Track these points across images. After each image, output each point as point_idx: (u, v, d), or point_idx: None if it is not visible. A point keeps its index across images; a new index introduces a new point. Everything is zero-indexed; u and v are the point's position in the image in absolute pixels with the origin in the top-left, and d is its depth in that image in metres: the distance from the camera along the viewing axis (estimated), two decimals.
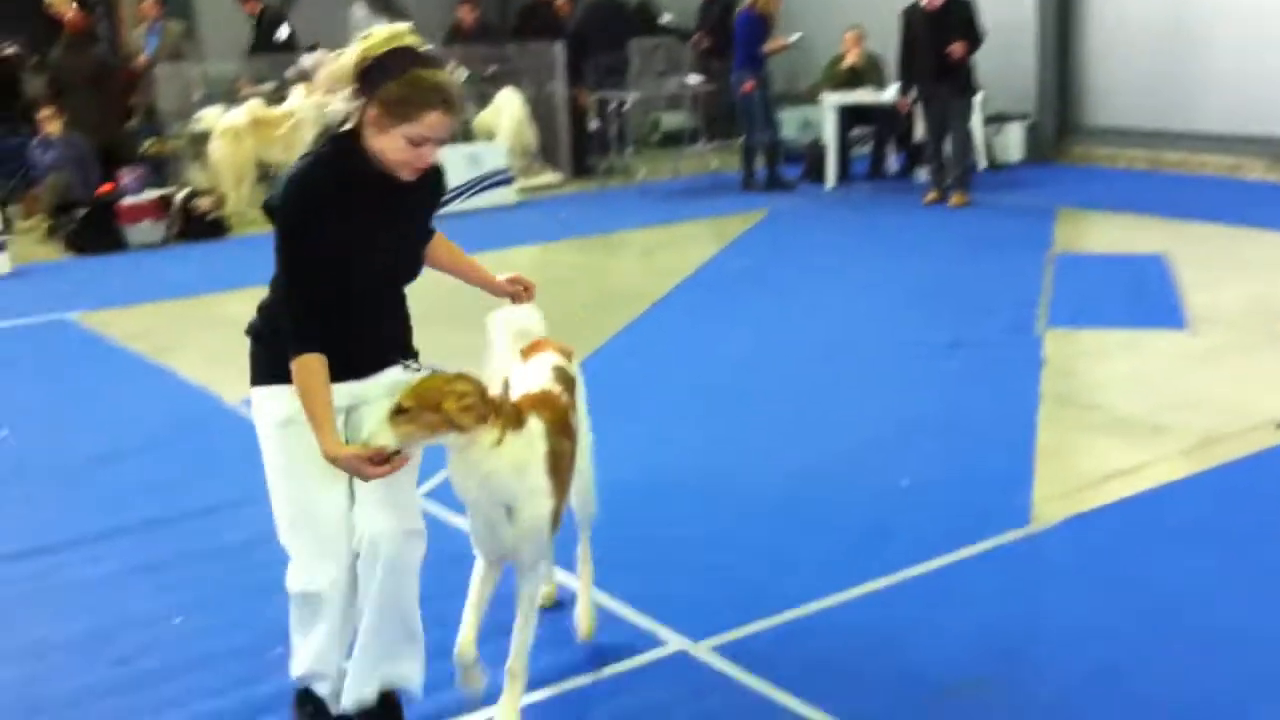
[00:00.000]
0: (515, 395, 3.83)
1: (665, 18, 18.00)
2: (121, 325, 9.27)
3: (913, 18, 12.47)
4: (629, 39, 16.23)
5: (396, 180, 3.55)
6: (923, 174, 13.52)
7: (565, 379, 4.17)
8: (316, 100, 3.63)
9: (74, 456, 6.61)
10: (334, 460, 3.43)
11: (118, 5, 18.18)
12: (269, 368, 3.61)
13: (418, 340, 3.88)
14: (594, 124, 15.86)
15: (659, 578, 4.96)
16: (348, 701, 3.75)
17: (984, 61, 12.60)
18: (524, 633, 3.87)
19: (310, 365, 3.44)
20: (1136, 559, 4.97)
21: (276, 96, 14.13)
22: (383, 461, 3.42)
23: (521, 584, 3.87)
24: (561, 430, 3.88)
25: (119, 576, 5.18)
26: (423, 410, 3.42)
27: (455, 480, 3.63)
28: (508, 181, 13.72)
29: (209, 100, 14.11)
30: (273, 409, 3.63)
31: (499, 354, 4.21)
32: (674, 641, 4.46)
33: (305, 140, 13.66)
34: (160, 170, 14.51)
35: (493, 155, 13.81)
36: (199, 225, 12.47)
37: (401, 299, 3.79)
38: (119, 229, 12.11)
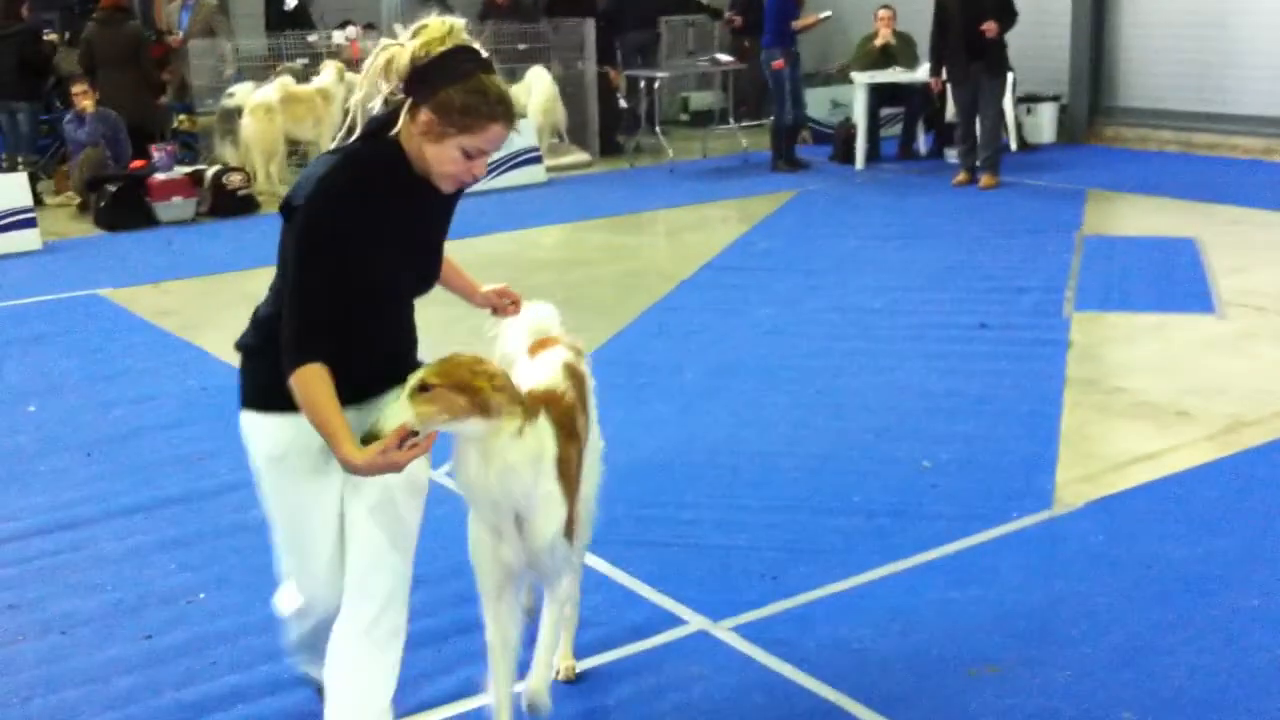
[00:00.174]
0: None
1: None
2: (151, 301, 9.34)
3: None
4: (660, 17, 16.22)
5: (432, 189, 3.23)
6: (952, 155, 13.46)
7: (575, 377, 3.87)
8: (359, 95, 3.22)
9: (102, 432, 6.66)
10: (356, 468, 3.09)
11: None
12: (263, 389, 3.27)
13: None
14: (623, 103, 15.86)
15: (680, 557, 4.97)
16: None
17: (1016, 42, 12.53)
18: (560, 633, 3.72)
19: (313, 375, 3.07)
20: (1159, 543, 4.95)
21: (305, 73, 14.17)
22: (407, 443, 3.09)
23: (550, 590, 3.60)
24: (568, 434, 3.57)
25: (145, 552, 5.23)
26: (449, 390, 3.12)
27: (467, 475, 3.26)
28: (536, 160, 13.71)
29: (241, 76, 14.16)
30: (264, 443, 3.34)
31: (510, 355, 3.96)
32: (695, 621, 4.48)
33: (335, 120, 13.75)
34: (191, 146, 14.60)
35: (521, 133, 13.77)
36: (229, 201, 12.51)
37: (412, 312, 3.45)
38: (150, 205, 12.16)
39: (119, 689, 4.21)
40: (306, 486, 3.32)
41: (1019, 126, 14.45)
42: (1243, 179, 12.52)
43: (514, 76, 14.70)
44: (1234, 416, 6.25)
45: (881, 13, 14.73)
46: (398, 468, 3.11)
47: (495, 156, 3.49)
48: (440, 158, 3.16)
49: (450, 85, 3.11)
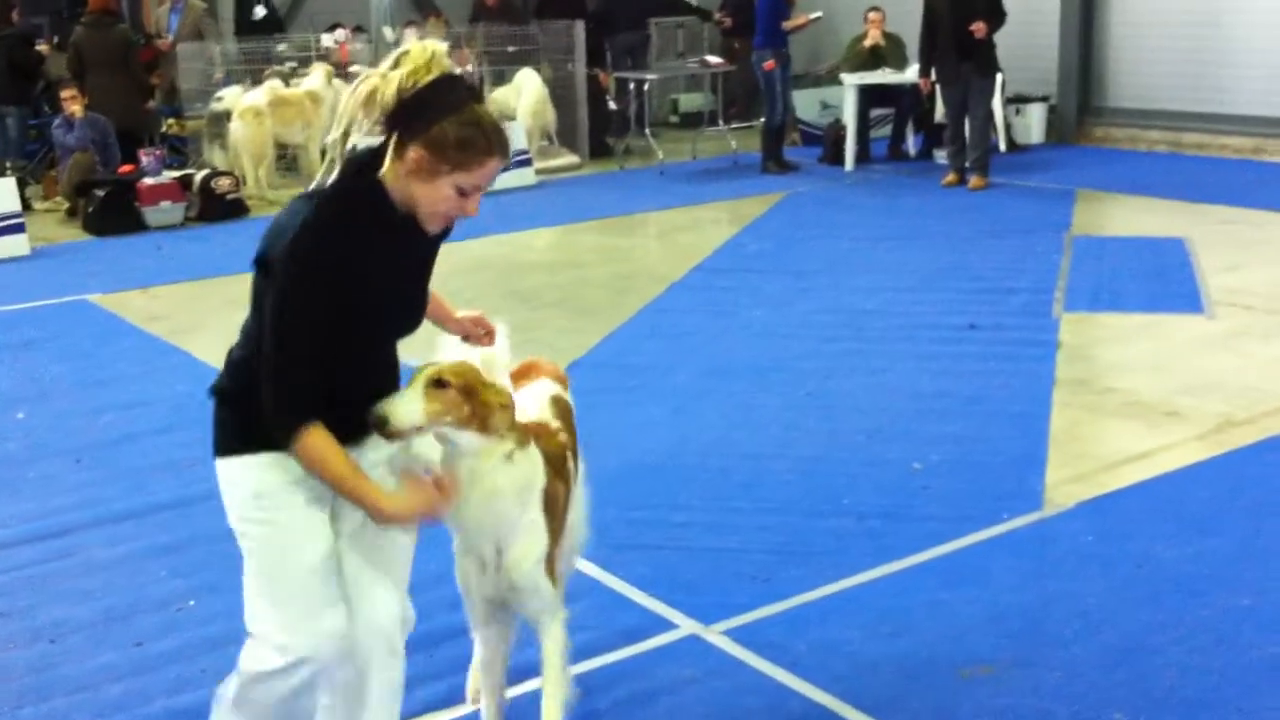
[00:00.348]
0: None
1: None
2: (140, 306, 9.32)
3: None
4: (649, 19, 16.23)
5: (419, 228, 3.05)
6: (942, 156, 13.47)
7: (563, 413, 3.71)
8: (337, 132, 3.01)
9: (92, 438, 6.64)
10: (393, 516, 3.01)
11: None
12: (240, 435, 3.11)
13: None
14: (613, 105, 15.86)
15: (671, 561, 4.97)
16: None
17: (1005, 42, 12.55)
18: (556, 694, 3.48)
19: (319, 441, 2.95)
20: (1150, 543, 4.96)
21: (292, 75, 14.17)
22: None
23: (542, 637, 3.47)
24: (557, 471, 3.43)
25: (135, 558, 5.21)
26: (462, 393, 3.04)
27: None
28: (526, 162, 13.71)
29: (230, 80, 14.14)
30: (252, 483, 3.12)
31: None
32: (686, 625, 4.48)
33: (324, 123, 13.75)
34: (180, 150, 14.58)
35: (510, 135, 13.76)
36: (219, 206, 12.48)
37: (395, 349, 3.26)
38: (138, 210, 12.13)
39: (110, 696, 4.20)
40: (303, 517, 3.14)
41: (1008, 127, 14.48)
42: (1232, 178, 12.54)
43: (503, 78, 14.71)
44: (1224, 416, 6.26)
45: (871, 14, 14.74)
46: (434, 513, 3.07)
47: None
48: (432, 197, 2.97)
49: (442, 118, 2.92)
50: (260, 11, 15.48)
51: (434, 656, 4.25)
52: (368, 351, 3.11)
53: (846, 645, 4.31)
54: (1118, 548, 4.93)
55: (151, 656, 4.43)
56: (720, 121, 16.03)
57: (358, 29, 16.62)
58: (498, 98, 14.31)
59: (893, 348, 7.54)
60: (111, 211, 12.06)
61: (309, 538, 3.16)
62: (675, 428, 6.42)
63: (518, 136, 13.65)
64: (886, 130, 14.94)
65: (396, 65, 2.96)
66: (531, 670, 3.79)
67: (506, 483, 3.16)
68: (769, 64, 13.57)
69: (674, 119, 17.84)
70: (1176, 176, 12.75)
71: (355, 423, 3.04)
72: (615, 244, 11.11)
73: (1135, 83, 14.70)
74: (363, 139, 3.01)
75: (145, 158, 12.50)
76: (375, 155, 2.99)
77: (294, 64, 14.70)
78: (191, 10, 14.91)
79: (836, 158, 14.28)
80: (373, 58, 16.30)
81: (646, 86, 15.35)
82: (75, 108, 12.85)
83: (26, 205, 12.16)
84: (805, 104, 15.79)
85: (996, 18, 12.22)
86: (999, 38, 12.34)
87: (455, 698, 4.03)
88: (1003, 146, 14.10)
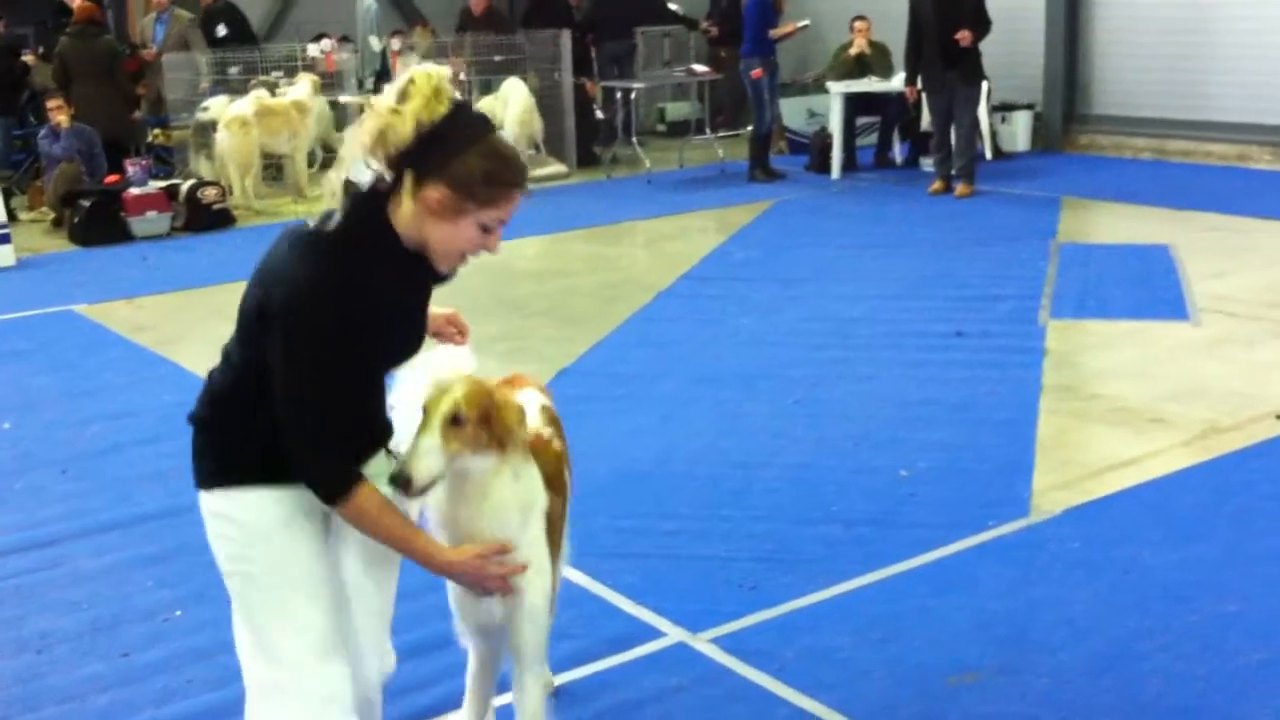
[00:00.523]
0: None
1: (674, 5, 18.00)
2: (126, 317, 9.30)
3: (920, 5, 12.44)
4: (636, 28, 16.24)
5: (427, 268, 2.90)
6: (928, 163, 13.50)
7: (554, 423, 3.59)
8: (341, 172, 2.81)
9: (78, 448, 6.63)
10: (448, 569, 2.93)
11: None
12: (230, 465, 2.93)
13: None
14: (600, 114, 15.87)
15: (659, 569, 4.97)
16: None
17: (990, 50, 12.58)
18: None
19: (369, 501, 2.82)
20: (1137, 549, 4.97)
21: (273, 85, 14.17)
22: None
23: (521, 688, 3.28)
24: (553, 481, 3.30)
25: (122, 569, 5.20)
26: (480, 424, 2.89)
27: (446, 515, 3.04)
28: None
29: (216, 90, 14.13)
30: (243, 516, 2.94)
31: (403, 404, 3.18)
32: (673, 633, 4.48)
33: (310, 132, 13.69)
34: (166, 161, 14.56)
35: None
36: (205, 216, 12.46)
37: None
38: (125, 220, 12.11)
39: (96, 707, 4.19)
40: (309, 553, 2.97)
41: (994, 135, 14.52)
42: (1217, 185, 12.58)
43: (490, 88, 14.71)
44: (1210, 422, 6.27)
45: (857, 23, 14.76)
46: (487, 589, 3.03)
47: None
48: (454, 237, 2.80)
49: (463, 153, 2.74)
50: (222, 30, 15.45)
51: (424, 666, 4.23)
52: (373, 388, 2.96)
53: (835, 653, 4.32)
54: (1104, 554, 4.94)
55: (138, 667, 4.42)
56: (707, 130, 16.05)
57: (343, 39, 16.62)
58: (484, 107, 14.29)
59: (880, 355, 7.55)
60: (97, 222, 12.03)
61: (319, 576, 2.99)
62: (663, 436, 6.42)
63: None
64: (873, 138, 14.97)
65: (404, 98, 2.75)
66: None
67: (512, 498, 3.03)
68: (757, 72, 13.59)
69: (661, 128, 17.86)
70: (1162, 183, 12.79)
71: (362, 455, 2.93)
72: (603, 252, 11.12)
73: (1120, 90, 14.74)
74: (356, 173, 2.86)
75: (131, 168, 12.49)
76: (381, 196, 2.81)
77: (280, 74, 14.69)
78: (177, 21, 14.88)
79: (823, 166, 14.30)
80: (359, 67, 16.33)
81: (633, 95, 15.38)
82: (61, 118, 12.83)
83: (12, 216, 12.14)
84: (792, 112, 15.82)
85: (982, 26, 12.26)
86: (984, 46, 12.37)
87: (445, 706, 4.00)
88: (988, 154, 14.14)
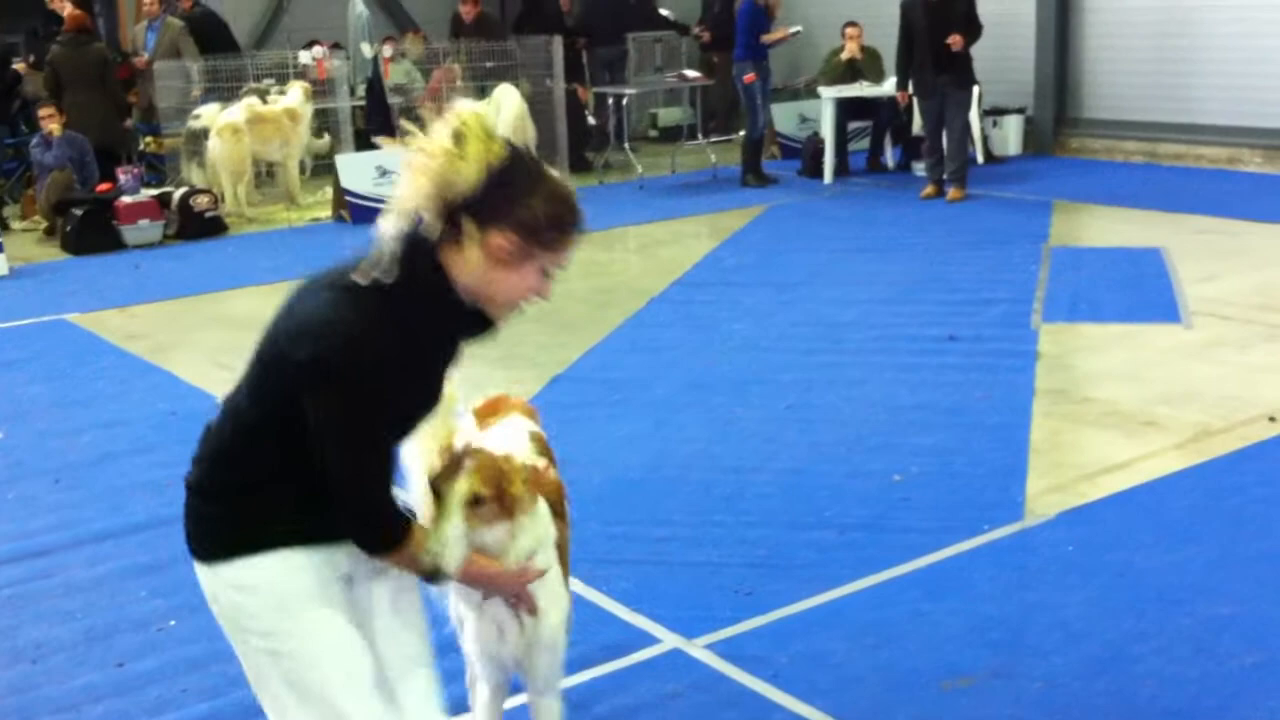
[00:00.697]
0: None
1: (665, 11, 18.01)
2: (119, 325, 9.28)
3: (912, 10, 12.46)
4: (628, 34, 16.26)
5: (473, 317, 2.74)
6: (920, 168, 13.52)
7: (545, 449, 3.56)
8: (395, 224, 2.61)
9: (71, 458, 6.62)
10: (491, 579, 2.92)
11: (117, 1, 18.21)
12: (248, 530, 2.73)
13: None
14: (591, 119, 15.87)
15: (653, 575, 4.98)
16: None
17: (981, 55, 12.61)
18: None
19: (418, 535, 2.74)
20: (1130, 552, 4.98)
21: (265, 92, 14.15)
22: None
23: (542, 712, 3.32)
24: (558, 513, 3.30)
25: (116, 578, 5.20)
26: (496, 501, 2.89)
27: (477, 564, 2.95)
28: None
29: (208, 97, 14.11)
30: (269, 586, 2.72)
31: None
32: (668, 639, 4.48)
33: (302, 140, 13.65)
34: (158, 168, 14.54)
35: None
36: (197, 224, 12.46)
37: None
38: (117, 228, 12.10)
39: (91, 717, 4.19)
40: (345, 619, 2.79)
41: (985, 139, 14.52)
42: (1208, 188, 12.60)
43: (482, 94, 14.70)
44: (1202, 425, 6.28)
45: (849, 28, 14.79)
46: (530, 600, 3.05)
47: None
48: (518, 285, 2.66)
49: (529, 196, 2.59)
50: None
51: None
52: (406, 436, 2.85)
53: (829, 658, 4.32)
54: (1098, 557, 4.95)
55: (132, 677, 4.42)
56: (699, 135, 16.06)
57: (335, 46, 16.60)
58: None
59: (872, 360, 7.56)
60: (90, 230, 12.02)
61: (356, 643, 2.79)
62: (656, 441, 6.42)
63: None
64: (865, 143, 14.99)
65: (459, 140, 2.57)
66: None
67: (528, 543, 2.99)
68: (749, 76, 13.61)
69: (653, 133, 17.86)
70: (1153, 187, 12.81)
71: None
72: (595, 258, 11.11)
73: (1111, 94, 14.76)
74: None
75: (123, 176, 12.46)
76: (431, 247, 2.62)
77: (271, 81, 14.67)
78: (169, 28, 14.86)
79: (815, 170, 14.32)
80: (351, 74, 16.31)
81: (625, 101, 15.39)
82: (53, 126, 12.81)
83: (4, 224, 12.16)
84: (784, 117, 15.84)
85: (973, 31, 12.29)
86: (975, 50, 12.40)
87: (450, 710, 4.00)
88: (980, 158, 14.14)
